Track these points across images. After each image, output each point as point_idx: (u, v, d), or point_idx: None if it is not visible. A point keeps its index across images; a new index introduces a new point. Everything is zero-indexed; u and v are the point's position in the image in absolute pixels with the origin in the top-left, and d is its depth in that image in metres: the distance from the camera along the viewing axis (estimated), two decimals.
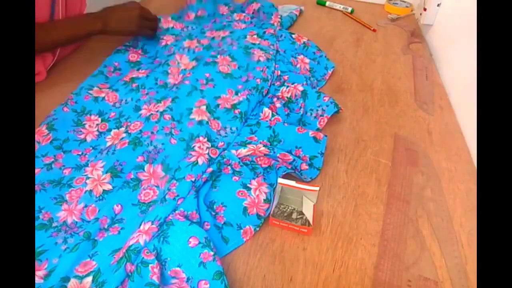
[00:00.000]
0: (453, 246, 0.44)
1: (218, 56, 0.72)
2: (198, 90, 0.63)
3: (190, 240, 0.40)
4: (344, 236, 0.45)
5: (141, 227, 0.42)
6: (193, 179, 0.47)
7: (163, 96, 0.62)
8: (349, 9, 1.04)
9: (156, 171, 0.50)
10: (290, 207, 0.47)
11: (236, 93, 0.63)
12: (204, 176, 0.48)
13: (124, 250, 0.40)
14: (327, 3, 1.07)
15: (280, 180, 0.45)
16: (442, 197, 0.50)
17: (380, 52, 0.85)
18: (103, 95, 0.62)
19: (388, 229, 0.46)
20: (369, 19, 1.00)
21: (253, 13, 0.94)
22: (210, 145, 0.53)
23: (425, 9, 0.93)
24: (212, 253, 0.39)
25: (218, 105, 0.61)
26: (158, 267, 0.38)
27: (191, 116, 0.58)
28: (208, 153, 0.52)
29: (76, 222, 0.44)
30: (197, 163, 0.50)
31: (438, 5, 0.90)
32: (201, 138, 0.54)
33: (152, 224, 0.42)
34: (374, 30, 0.95)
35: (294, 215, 0.46)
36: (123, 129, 0.57)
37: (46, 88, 0.65)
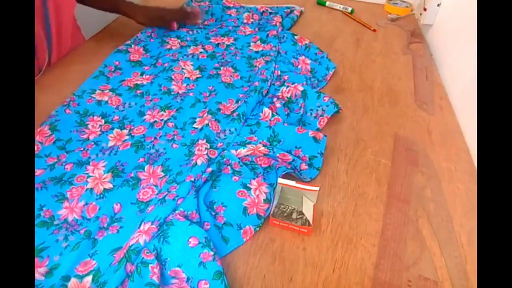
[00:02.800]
0: (453, 246, 0.44)
1: (222, 68, 0.73)
2: (201, 102, 0.64)
3: (190, 240, 0.40)
4: (344, 236, 0.45)
5: (141, 227, 0.42)
6: (192, 179, 0.47)
7: (167, 105, 0.63)
8: (349, 9, 1.04)
9: (156, 172, 0.51)
10: (290, 207, 0.47)
11: (237, 102, 0.64)
12: (204, 176, 0.48)
13: (124, 251, 0.40)
14: (327, 3, 1.07)
15: (280, 180, 0.45)
16: (442, 197, 0.50)
17: (380, 52, 0.85)
18: (106, 98, 0.63)
19: (388, 229, 0.46)
20: (369, 19, 1.00)
21: (262, 13, 0.94)
22: (209, 146, 0.54)
23: (425, 9, 0.93)
24: (212, 253, 0.39)
25: (219, 109, 0.62)
26: (158, 267, 0.38)
27: (195, 125, 0.59)
28: (206, 154, 0.52)
29: (77, 219, 0.44)
30: (196, 164, 0.50)
31: (438, 5, 0.90)
32: (200, 141, 0.55)
33: (152, 224, 0.42)
34: (374, 30, 0.95)
35: (294, 215, 0.46)
36: (126, 131, 0.57)
37: (46, 88, 0.65)
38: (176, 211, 0.44)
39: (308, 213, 0.46)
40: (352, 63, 0.80)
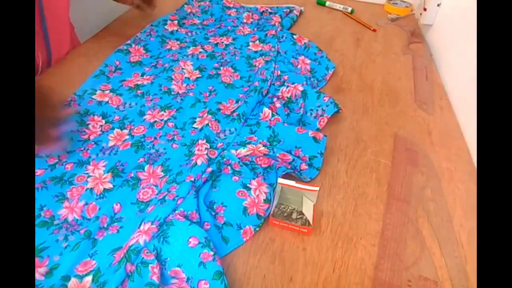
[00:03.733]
0: (453, 246, 0.44)
1: (221, 68, 0.73)
2: (201, 102, 0.64)
3: (190, 240, 0.40)
4: (344, 236, 0.45)
5: (141, 227, 0.42)
6: (192, 179, 0.47)
7: (167, 105, 0.63)
8: (349, 9, 1.04)
9: (156, 172, 0.51)
10: (290, 207, 0.47)
11: (237, 102, 0.64)
12: (204, 176, 0.48)
13: (124, 251, 0.40)
14: (327, 3, 1.07)
15: (280, 180, 0.45)
16: (442, 197, 0.50)
17: (380, 52, 0.85)
18: (106, 99, 0.63)
19: (388, 229, 0.46)
20: (369, 19, 1.00)
21: (262, 13, 0.95)
22: (209, 146, 0.54)
23: (425, 9, 0.93)
24: (212, 253, 0.39)
25: (219, 110, 0.62)
26: (158, 267, 0.38)
27: (195, 125, 0.59)
28: (206, 154, 0.52)
29: (77, 219, 0.45)
30: (196, 164, 0.50)
31: (438, 5, 0.90)
32: (200, 141, 0.55)
33: (152, 224, 0.42)
34: (374, 30, 0.95)
35: (294, 215, 0.46)
36: (126, 131, 0.57)
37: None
38: (176, 211, 0.44)
39: (308, 213, 0.46)
40: (352, 63, 0.80)
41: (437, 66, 0.81)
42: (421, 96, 0.71)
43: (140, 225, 0.43)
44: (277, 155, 0.51)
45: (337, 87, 0.72)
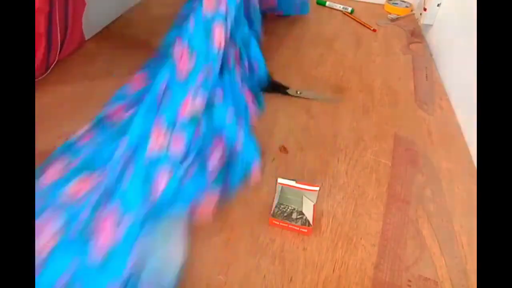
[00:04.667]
0: (453, 246, 0.44)
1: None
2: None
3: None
4: (344, 236, 0.45)
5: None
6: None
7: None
8: (349, 9, 1.04)
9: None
10: (290, 207, 0.47)
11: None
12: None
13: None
14: (327, 3, 1.07)
15: (280, 180, 0.45)
16: (442, 197, 0.50)
17: (380, 52, 0.85)
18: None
19: (388, 229, 0.46)
20: (369, 19, 1.00)
21: None
22: None
23: (425, 9, 0.93)
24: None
25: None
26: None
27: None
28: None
29: None
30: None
31: (438, 5, 0.90)
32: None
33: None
34: (374, 30, 0.95)
35: (294, 215, 0.46)
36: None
37: (46, 88, 0.65)
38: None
39: (308, 213, 0.46)
40: (352, 63, 0.80)
41: (437, 66, 0.81)
42: (421, 96, 0.71)
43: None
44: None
45: (337, 87, 0.72)
